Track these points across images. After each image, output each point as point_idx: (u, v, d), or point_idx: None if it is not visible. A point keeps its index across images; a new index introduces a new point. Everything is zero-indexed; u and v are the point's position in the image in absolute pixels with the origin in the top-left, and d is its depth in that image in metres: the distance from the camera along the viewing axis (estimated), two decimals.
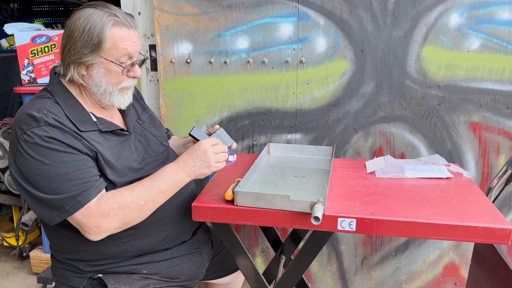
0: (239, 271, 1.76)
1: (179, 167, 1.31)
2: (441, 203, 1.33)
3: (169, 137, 1.71)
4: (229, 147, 1.43)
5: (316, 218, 1.18)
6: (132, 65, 1.31)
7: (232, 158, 1.46)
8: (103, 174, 1.27)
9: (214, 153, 1.32)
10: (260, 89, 1.99)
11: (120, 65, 1.28)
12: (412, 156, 2.05)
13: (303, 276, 1.78)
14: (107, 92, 1.30)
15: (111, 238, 1.29)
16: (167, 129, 1.73)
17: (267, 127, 2.04)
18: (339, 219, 1.25)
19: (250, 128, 2.04)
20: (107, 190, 1.27)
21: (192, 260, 1.46)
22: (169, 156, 1.51)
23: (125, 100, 1.36)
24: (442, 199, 1.36)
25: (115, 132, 1.35)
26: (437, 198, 1.37)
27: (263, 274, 1.80)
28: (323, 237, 1.35)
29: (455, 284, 2.22)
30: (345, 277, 2.21)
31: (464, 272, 2.19)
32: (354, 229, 1.25)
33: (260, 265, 2.21)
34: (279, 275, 1.69)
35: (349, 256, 2.18)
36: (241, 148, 2.09)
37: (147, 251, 1.37)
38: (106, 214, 1.22)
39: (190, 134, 1.42)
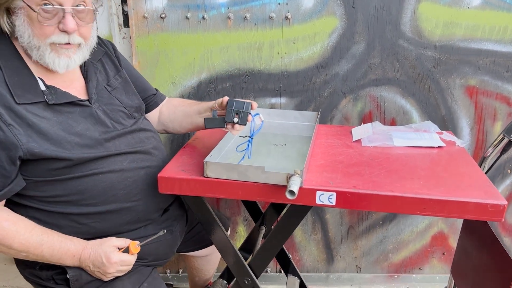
0: None
1: (80, 259, 1.18)
2: (430, 176, 1.22)
3: (157, 103, 1.50)
4: (251, 110, 1.24)
5: (291, 192, 1.07)
6: (63, 15, 1.08)
7: (259, 120, 1.27)
8: (52, 159, 1.11)
9: (118, 267, 1.19)
10: (242, 48, 1.83)
11: (38, 11, 1.05)
12: (404, 122, 1.93)
13: (283, 246, 1.70)
14: (34, 47, 1.09)
15: (67, 218, 1.18)
16: (156, 89, 1.53)
17: (250, 90, 1.90)
18: (318, 193, 1.15)
19: (231, 91, 1.90)
20: (64, 170, 1.14)
21: (162, 240, 1.32)
22: (138, 130, 1.31)
23: (62, 62, 1.13)
24: (432, 171, 1.25)
25: (71, 102, 1.18)
26: (427, 169, 1.26)
27: (242, 246, 1.72)
28: (301, 211, 1.25)
29: (443, 253, 2.16)
30: (330, 246, 2.14)
31: (453, 242, 2.12)
32: (334, 203, 1.15)
33: (242, 233, 2.13)
34: (258, 247, 1.60)
35: (335, 225, 2.10)
36: None
37: (109, 234, 1.25)
38: None
39: (207, 128, 1.28)
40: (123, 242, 1.22)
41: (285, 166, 1.28)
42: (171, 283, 2.21)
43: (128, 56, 1.90)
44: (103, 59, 1.34)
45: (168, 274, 2.20)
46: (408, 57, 1.83)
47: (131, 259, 1.21)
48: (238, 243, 2.13)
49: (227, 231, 1.73)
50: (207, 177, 1.19)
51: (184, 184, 1.20)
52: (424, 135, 1.48)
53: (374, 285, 2.20)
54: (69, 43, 1.13)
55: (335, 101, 1.90)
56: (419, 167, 1.28)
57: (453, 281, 1.68)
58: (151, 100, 1.49)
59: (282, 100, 1.91)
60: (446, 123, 1.93)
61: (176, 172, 1.22)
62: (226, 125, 1.26)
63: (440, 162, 1.32)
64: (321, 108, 1.90)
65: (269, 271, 2.19)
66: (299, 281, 1.73)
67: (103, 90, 1.28)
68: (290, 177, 1.12)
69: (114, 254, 1.18)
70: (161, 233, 1.25)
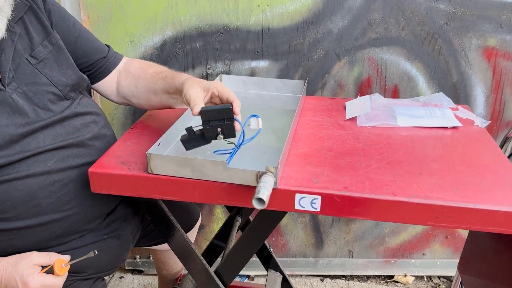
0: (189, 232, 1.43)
1: None
2: (443, 169, 0.94)
3: (108, 69, 1.13)
4: (234, 116, 0.91)
5: (260, 201, 0.79)
6: None
7: (255, 125, 0.93)
8: None
9: None
10: None
11: None
12: (408, 90, 1.64)
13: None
14: None
15: None
16: (108, 47, 1.15)
17: (225, 51, 1.58)
18: (298, 195, 0.87)
19: (202, 53, 1.58)
20: None
21: (105, 249, 1.06)
22: (71, 116, 0.99)
23: None
24: (446, 163, 0.97)
25: None
26: (439, 160, 0.98)
27: (216, 236, 1.47)
28: (276, 216, 0.98)
29: (446, 237, 1.93)
30: (319, 229, 1.90)
31: None
32: (318, 210, 0.87)
33: (221, 216, 1.88)
34: (231, 245, 1.35)
35: None
36: None
37: (33, 249, 0.96)
38: None
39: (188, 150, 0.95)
40: (47, 258, 0.93)
41: (256, 159, 1.00)
42: (142, 269, 1.99)
43: (76, 9, 1.57)
44: (26, 18, 0.97)
45: (138, 260, 1.97)
46: (416, 11, 1.50)
47: (56, 282, 0.93)
48: (216, 226, 1.89)
49: (196, 221, 1.48)
50: (152, 174, 0.91)
51: (123, 182, 0.92)
52: (435, 111, 1.19)
53: (368, 271, 1.98)
54: None
55: (328, 65, 1.59)
56: (429, 157, 1.00)
57: (460, 279, 1.44)
58: (99, 65, 1.12)
59: (264, 63, 1.60)
60: (458, 91, 1.64)
61: (113, 166, 0.94)
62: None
63: (456, 149, 1.04)
64: (311, 74, 1.60)
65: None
66: (281, 277, 1.50)
67: (25, 63, 0.94)
68: (260, 176, 0.84)
69: (33, 278, 0.89)
70: (91, 254, 0.96)
